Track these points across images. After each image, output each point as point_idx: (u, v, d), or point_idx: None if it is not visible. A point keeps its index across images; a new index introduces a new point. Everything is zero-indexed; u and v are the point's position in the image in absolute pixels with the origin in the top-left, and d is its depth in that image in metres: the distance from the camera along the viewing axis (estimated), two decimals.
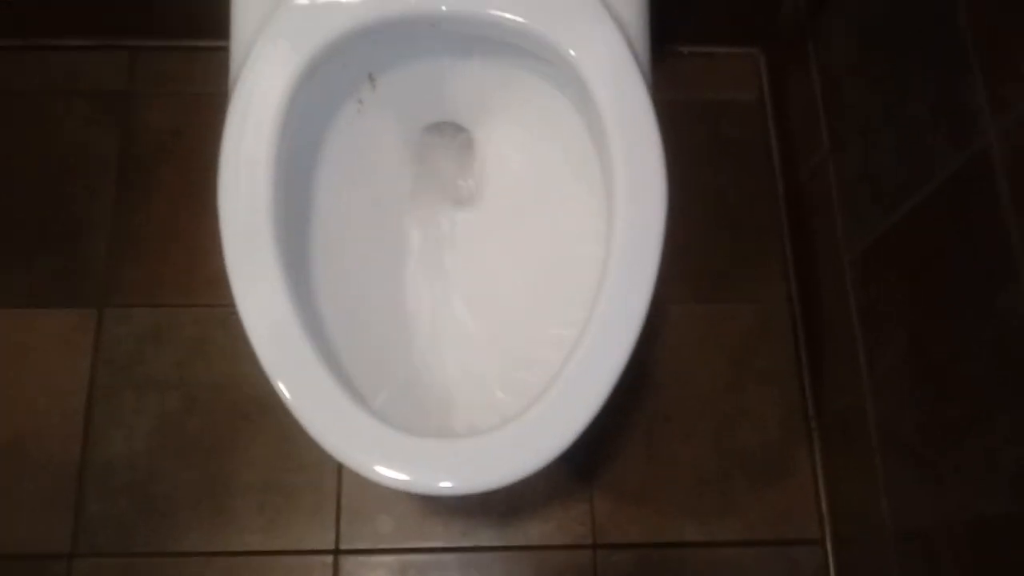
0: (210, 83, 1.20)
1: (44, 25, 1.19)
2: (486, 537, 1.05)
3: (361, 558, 1.03)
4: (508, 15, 0.77)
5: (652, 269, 0.71)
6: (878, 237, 0.93)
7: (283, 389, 0.68)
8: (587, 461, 1.08)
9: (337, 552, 1.03)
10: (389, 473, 0.65)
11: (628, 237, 0.72)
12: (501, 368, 0.82)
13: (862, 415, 0.97)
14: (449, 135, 0.94)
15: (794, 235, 1.17)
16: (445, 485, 0.65)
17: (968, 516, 0.78)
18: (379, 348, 0.83)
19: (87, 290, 1.12)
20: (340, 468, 1.06)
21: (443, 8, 0.76)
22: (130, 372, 1.09)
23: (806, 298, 1.14)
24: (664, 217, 0.73)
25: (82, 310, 1.11)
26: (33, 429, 1.07)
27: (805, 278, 1.15)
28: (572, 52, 0.76)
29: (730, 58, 1.26)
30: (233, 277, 0.71)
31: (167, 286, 1.13)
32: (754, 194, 1.20)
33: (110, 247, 1.14)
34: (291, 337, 0.70)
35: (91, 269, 1.13)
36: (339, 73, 0.84)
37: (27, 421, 1.07)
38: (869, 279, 0.96)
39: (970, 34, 0.74)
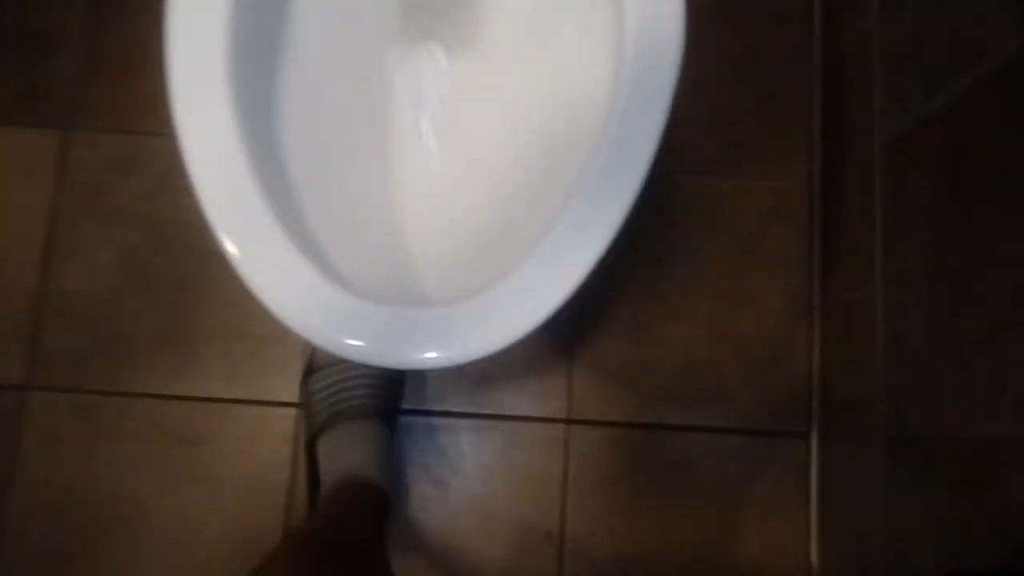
0: None
1: None
2: (456, 402, 1.00)
3: None
4: None
5: (654, 132, 0.62)
6: (917, 122, 0.83)
7: (232, 250, 0.60)
8: (569, 333, 1.02)
9: (301, 406, 0.99)
10: (361, 346, 0.58)
11: (631, 99, 0.63)
12: (485, 234, 0.74)
13: (869, 312, 0.90)
14: None
15: (825, 110, 1.06)
16: (428, 356, 0.59)
17: (969, 433, 0.72)
18: (349, 207, 0.75)
19: (53, 110, 1.04)
20: None
21: None
22: (94, 201, 1.02)
23: (828, 181, 1.04)
24: (674, 76, 0.64)
25: (46, 131, 1.03)
26: None
27: (830, 159, 1.04)
28: None
29: None
30: (179, 119, 0.63)
31: (140, 111, 1.04)
32: (788, 59, 1.08)
33: (81, 64, 1.05)
34: (244, 190, 0.62)
35: (59, 87, 1.04)
36: None
37: None
38: (900, 168, 0.86)
39: None
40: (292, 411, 0.99)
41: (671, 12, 0.65)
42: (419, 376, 1.00)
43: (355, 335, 0.58)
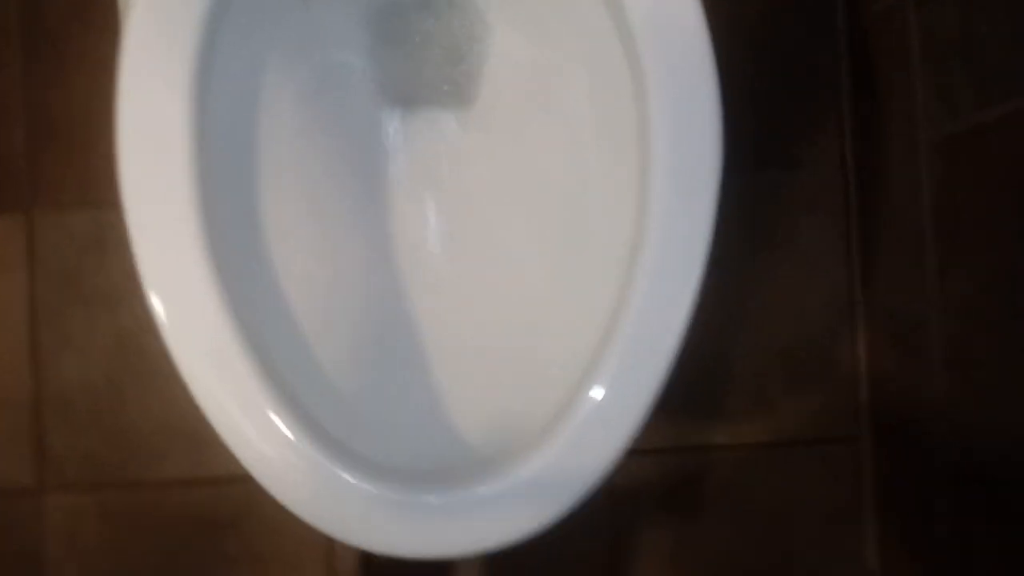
0: None
1: None
2: None
3: None
4: None
5: (699, 263, 0.54)
6: (972, 128, 0.74)
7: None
8: None
9: None
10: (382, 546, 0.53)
11: (667, 213, 0.55)
12: (510, 346, 0.66)
13: (923, 325, 0.84)
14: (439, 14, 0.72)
15: (857, 94, 0.96)
16: (453, 548, 0.53)
17: None
18: (353, 329, 0.67)
19: (9, 191, 0.94)
20: None
21: None
22: (74, 286, 0.94)
23: (864, 174, 0.96)
24: (718, 183, 0.55)
25: (8, 217, 0.94)
26: None
27: (867, 148, 0.95)
28: None
29: None
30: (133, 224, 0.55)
31: (102, 179, 0.94)
32: (811, 39, 0.97)
33: (28, 135, 0.94)
34: (220, 332, 0.55)
35: (9, 165, 0.94)
36: None
37: None
38: (953, 175, 0.78)
39: None
40: None
41: (704, 103, 0.56)
42: None
43: (404, 535, 0.53)
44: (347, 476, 0.52)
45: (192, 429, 0.94)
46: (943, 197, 0.80)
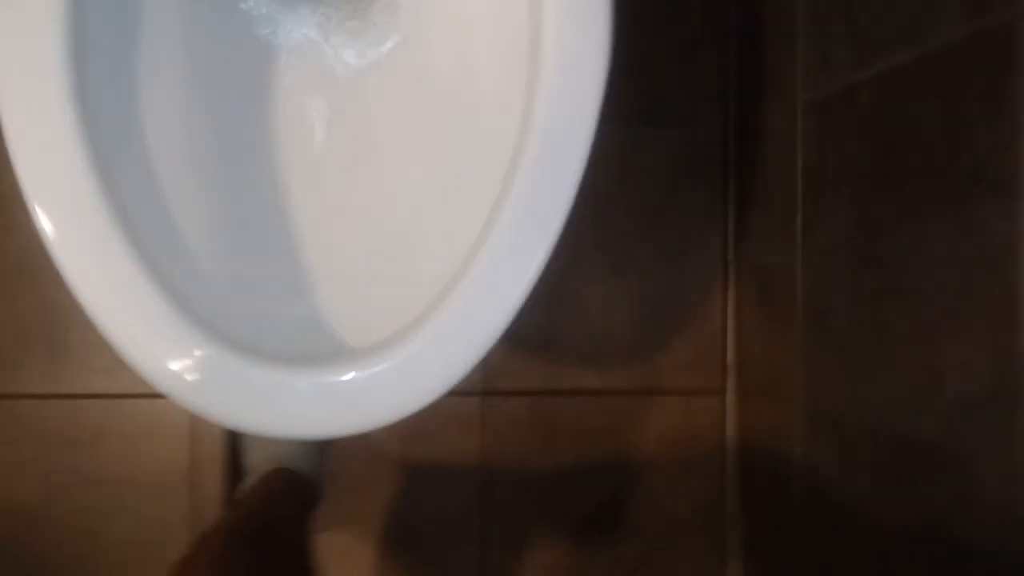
0: None
1: None
2: None
3: None
4: None
5: (581, 153, 0.56)
6: (845, 88, 0.78)
7: (92, 307, 0.52)
8: None
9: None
10: (275, 425, 0.52)
11: (550, 109, 0.56)
12: (393, 244, 0.66)
13: (789, 278, 0.88)
14: None
15: (741, 55, 1.00)
16: (316, 430, 0.53)
17: (892, 429, 0.72)
18: (234, 223, 0.65)
19: None
20: None
21: None
22: None
23: (743, 134, 1.00)
24: (602, 84, 0.57)
25: None
26: None
27: (746, 111, 0.99)
28: None
29: None
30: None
31: None
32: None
33: None
34: (94, 212, 0.53)
35: None
36: None
37: None
38: (824, 133, 0.82)
39: None
40: None
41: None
42: None
43: (268, 414, 0.52)
44: (223, 353, 0.51)
45: (49, 341, 0.90)
46: (813, 155, 0.84)
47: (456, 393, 0.93)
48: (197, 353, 0.51)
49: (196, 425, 0.92)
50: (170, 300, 0.52)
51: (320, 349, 0.58)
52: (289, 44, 0.70)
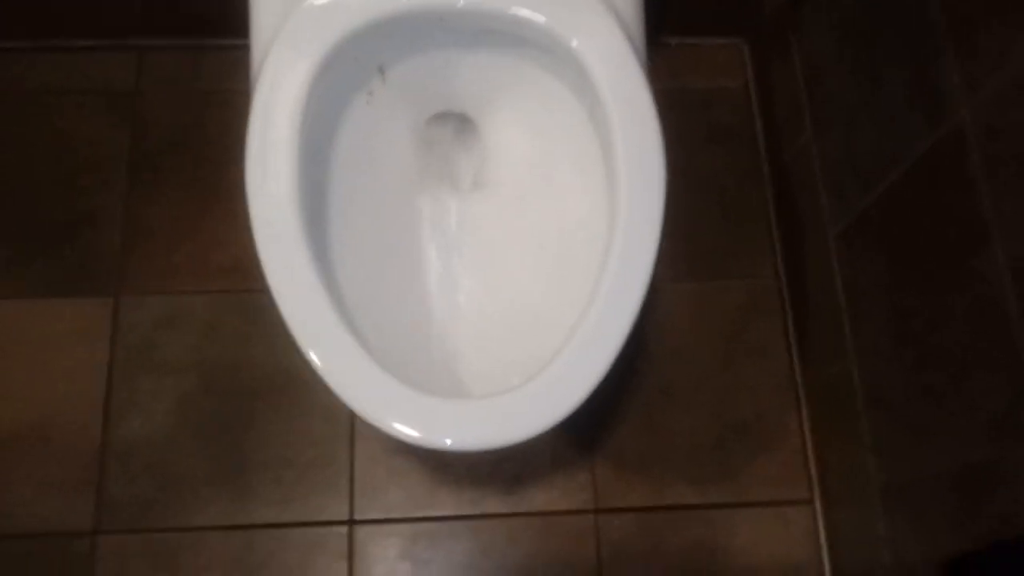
0: (213, 81, 1.26)
1: (52, 26, 1.23)
2: (493, 505, 1.10)
3: (374, 528, 1.09)
4: (515, 10, 0.82)
5: (652, 248, 0.77)
6: (859, 213, 0.99)
7: (314, 358, 0.73)
8: (589, 432, 1.14)
9: (351, 523, 1.08)
10: (407, 430, 0.71)
11: (630, 218, 0.78)
12: (509, 343, 0.88)
13: (848, 380, 1.03)
14: (454, 124, 0.99)
15: (780, 214, 1.24)
16: (451, 442, 0.71)
17: (951, 465, 0.84)
18: (397, 318, 0.88)
19: (103, 280, 1.16)
20: (352, 442, 1.11)
21: (458, 4, 0.82)
22: (147, 356, 1.13)
23: (793, 273, 1.21)
24: (663, 197, 0.79)
25: (98, 299, 1.15)
26: (55, 414, 1.11)
27: (792, 254, 1.21)
28: (574, 43, 0.82)
29: (715, 49, 1.32)
30: (265, 259, 0.76)
31: (179, 274, 1.17)
32: (742, 176, 1.26)
33: (124, 239, 1.18)
34: (319, 310, 0.75)
35: (106, 260, 1.17)
36: (352, 66, 0.88)
37: (49, 406, 1.11)
38: (852, 253, 1.02)
39: (942, 17, 0.80)
40: (344, 528, 1.08)
41: (652, 145, 0.81)
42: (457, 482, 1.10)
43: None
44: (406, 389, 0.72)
45: (234, 482, 1.09)
46: (847, 274, 1.03)
47: (572, 512, 1.09)
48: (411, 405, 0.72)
49: (352, 548, 1.07)
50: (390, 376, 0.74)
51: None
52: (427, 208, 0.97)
